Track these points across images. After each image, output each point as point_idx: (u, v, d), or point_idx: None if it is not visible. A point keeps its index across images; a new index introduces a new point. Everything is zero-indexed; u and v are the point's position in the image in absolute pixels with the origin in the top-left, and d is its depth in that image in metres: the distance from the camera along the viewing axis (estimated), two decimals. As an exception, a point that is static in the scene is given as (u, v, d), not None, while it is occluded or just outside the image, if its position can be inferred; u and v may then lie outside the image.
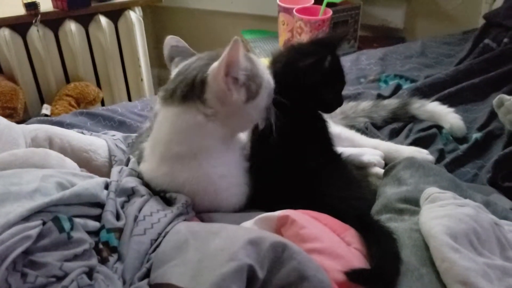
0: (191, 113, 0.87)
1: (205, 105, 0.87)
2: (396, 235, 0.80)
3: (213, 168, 0.90)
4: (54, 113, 2.07)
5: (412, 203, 0.88)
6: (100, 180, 0.90)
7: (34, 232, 0.70)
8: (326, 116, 1.06)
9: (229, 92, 0.85)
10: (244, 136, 1.01)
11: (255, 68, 0.89)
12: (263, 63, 0.94)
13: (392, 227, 0.83)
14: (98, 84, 2.29)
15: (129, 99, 2.35)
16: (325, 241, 0.77)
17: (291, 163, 0.95)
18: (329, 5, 1.95)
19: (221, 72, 0.83)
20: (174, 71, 0.95)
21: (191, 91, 0.87)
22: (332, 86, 0.98)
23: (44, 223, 0.73)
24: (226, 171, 0.92)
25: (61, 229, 0.73)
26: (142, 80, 2.33)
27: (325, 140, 1.03)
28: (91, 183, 0.86)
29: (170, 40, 1.01)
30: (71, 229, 0.75)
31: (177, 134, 0.88)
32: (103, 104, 2.29)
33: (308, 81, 0.94)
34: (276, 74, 0.98)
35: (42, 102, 2.22)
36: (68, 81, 2.23)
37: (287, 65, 0.97)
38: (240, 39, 0.82)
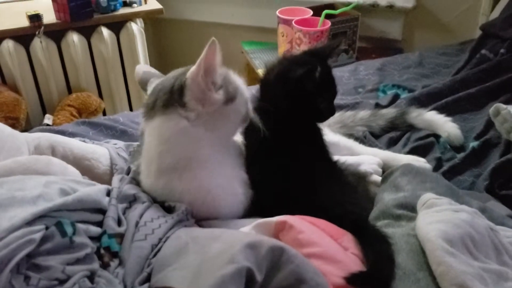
0: (173, 119, 0.88)
1: (186, 108, 0.87)
2: (392, 239, 0.82)
3: (209, 179, 0.91)
4: (56, 123, 2.09)
5: (409, 209, 0.90)
6: (102, 187, 0.91)
7: (37, 236, 0.71)
8: (322, 124, 1.07)
9: (209, 92, 0.87)
10: (241, 147, 1.02)
11: (228, 75, 0.92)
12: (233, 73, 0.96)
13: (390, 233, 0.84)
14: (100, 95, 2.31)
15: (131, 110, 2.37)
16: (323, 246, 0.78)
17: (287, 170, 0.96)
18: (327, 16, 1.98)
19: (200, 71, 0.85)
20: (150, 88, 0.97)
21: (170, 98, 0.88)
22: (324, 95, 1.00)
23: (47, 228, 0.74)
24: (222, 181, 0.93)
25: (63, 234, 0.75)
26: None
27: (320, 147, 1.05)
28: (93, 190, 0.87)
29: (141, 67, 1.05)
30: (74, 233, 0.76)
31: (165, 144, 0.89)
32: (104, 114, 2.31)
33: (300, 90, 0.96)
34: (269, 84, 1.00)
35: (44, 112, 2.25)
36: (70, 91, 2.26)
37: (279, 75, 0.99)
38: (217, 41, 0.84)
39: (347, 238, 0.82)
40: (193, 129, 0.88)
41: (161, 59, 2.75)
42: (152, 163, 0.92)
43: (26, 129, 2.05)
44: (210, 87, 0.87)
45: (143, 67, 1.06)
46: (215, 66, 0.86)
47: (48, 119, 2.15)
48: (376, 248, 0.79)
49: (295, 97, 0.97)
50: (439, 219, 0.81)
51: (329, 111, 1.03)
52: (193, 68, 0.87)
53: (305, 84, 0.95)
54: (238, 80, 0.94)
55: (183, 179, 0.90)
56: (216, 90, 0.88)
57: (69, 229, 0.75)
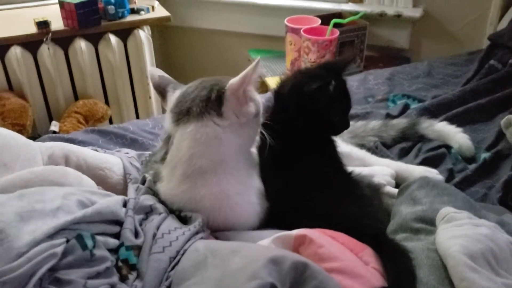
0: (209, 126, 0.91)
1: (222, 118, 0.91)
2: (412, 254, 0.81)
3: (230, 185, 0.92)
4: (63, 130, 2.08)
5: (428, 223, 0.89)
6: (119, 198, 0.91)
7: (59, 250, 0.71)
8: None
9: (246, 105, 0.92)
10: (256, 158, 1.03)
11: (253, 91, 0.96)
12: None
13: (409, 247, 0.83)
14: (107, 102, 2.31)
15: (137, 117, 2.37)
16: (344, 260, 0.77)
17: (303, 183, 0.96)
18: (336, 25, 1.98)
19: (243, 86, 0.90)
20: (172, 95, 1.00)
21: (207, 107, 0.91)
22: (338, 109, 1.00)
23: (67, 241, 0.74)
24: (242, 189, 0.94)
25: (84, 247, 0.74)
26: (150, 98, 2.35)
27: (335, 159, 1.04)
28: (111, 201, 0.87)
29: (155, 71, 1.07)
30: (94, 246, 0.76)
31: (198, 147, 0.91)
32: (111, 121, 2.31)
33: (314, 105, 0.96)
34: (282, 97, 1.00)
35: (51, 119, 2.24)
36: (76, 98, 2.25)
37: (293, 89, 0.99)
38: (260, 60, 0.89)
39: (368, 252, 0.81)
40: (225, 135, 0.91)
41: (168, 66, 2.75)
42: (178, 167, 0.93)
43: (32, 135, 2.05)
44: (248, 101, 0.92)
45: (156, 70, 1.06)
46: (254, 82, 0.92)
47: (54, 125, 2.14)
48: (397, 263, 0.79)
49: (309, 111, 0.97)
50: (460, 234, 0.80)
51: (343, 124, 1.03)
52: (234, 81, 0.90)
53: (319, 98, 0.95)
54: (257, 94, 0.98)
55: (207, 183, 0.91)
56: (249, 104, 0.93)
57: (89, 242, 0.75)
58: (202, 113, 0.91)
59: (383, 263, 0.80)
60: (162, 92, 1.03)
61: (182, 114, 0.93)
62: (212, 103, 0.91)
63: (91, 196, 0.87)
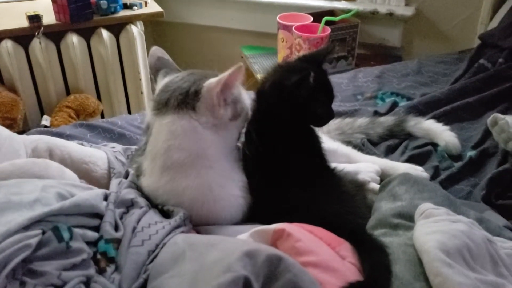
0: (185, 119, 0.92)
1: (197, 113, 0.92)
2: (389, 249, 0.82)
3: (212, 178, 0.93)
4: (54, 124, 2.08)
5: (407, 219, 0.90)
6: (99, 191, 0.91)
7: (33, 241, 0.70)
8: (321, 131, 1.07)
9: (219, 107, 0.92)
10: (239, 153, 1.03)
11: (240, 95, 0.97)
12: (245, 92, 1.01)
13: (387, 242, 0.84)
14: (98, 97, 2.31)
15: (129, 112, 2.37)
16: (320, 254, 0.78)
17: (285, 177, 0.96)
18: (328, 23, 1.99)
19: (218, 88, 0.90)
20: (161, 81, 1.01)
21: (184, 100, 0.92)
22: (321, 100, 1.00)
23: (43, 233, 0.74)
24: (224, 182, 0.95)
25: (60, 239, 0.74)
26: (142, 93, 2.35)
27: (318, 155, 1.05)
28: (91, 194, 0.87)
29: (156, 51, 1.07)
30: (70, 238, 0.76)
31: (175, 139, 0.91)
32: (102, 116, 2.31)
33: (296, 98, 0.96)
34: (264, 94, 1.00)
35: (42, 113, 2.24)
36: (68, 93, 2.25)
37: (274, 83, 1.00)
38: (243, 66, 0.90)
39: (345, 247, 0.82)
40: (202, 130, 0.92)
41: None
42: (157, 158, 0.93)
43: (23, 130, 2.05)
44: (221, 104, 0.92)
45: (158, 51, 1.07)
46: (233, 87, 0.92)
47: (45, 120, 2.14)
48: (373, 258, 0.79)
49: (292, 105, 0.97)
50: (437, 229, 0.80)
51: (328, 115, 1.03)
52: (212, 81, 0.91)
53: (300, 91, 0.95)
54: (246, 99, 0.99)
55: (187, 176, 0.91)
56: (224, 107, 0.93)
57: (66, 234, 0.75)
58: (180, 106, 0.92)
59: (359, 258, 0.80)
60: (154, 74, 1.04)
61: (161, 104, 0.94)
62: (189, 97, 0.92)
63: (72, 189, 0.87)
